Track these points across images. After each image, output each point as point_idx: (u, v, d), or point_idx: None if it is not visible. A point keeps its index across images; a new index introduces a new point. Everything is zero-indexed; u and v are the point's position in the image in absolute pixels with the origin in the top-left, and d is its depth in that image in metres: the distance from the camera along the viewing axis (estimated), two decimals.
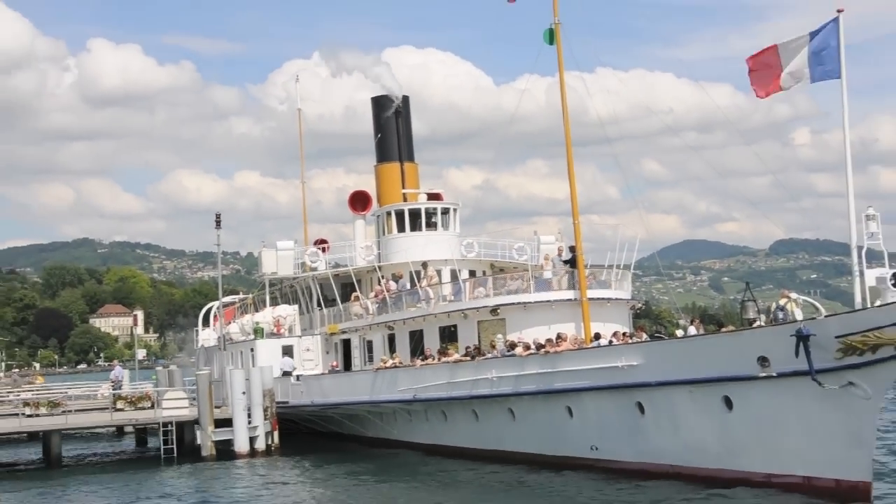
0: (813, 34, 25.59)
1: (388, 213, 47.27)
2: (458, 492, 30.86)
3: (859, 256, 24.74)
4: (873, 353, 23.85)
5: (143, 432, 48.69)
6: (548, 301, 38.16)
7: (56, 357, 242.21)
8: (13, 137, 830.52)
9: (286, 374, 45.63)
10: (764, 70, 26.33)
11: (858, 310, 24.60)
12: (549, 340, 34.23)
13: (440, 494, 30.63)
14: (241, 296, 66.38)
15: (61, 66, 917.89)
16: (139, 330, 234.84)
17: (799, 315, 26.95)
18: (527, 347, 34.44)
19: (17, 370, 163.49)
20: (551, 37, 37.35)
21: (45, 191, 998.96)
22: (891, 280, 24.60)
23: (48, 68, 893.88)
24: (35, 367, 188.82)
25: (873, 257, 24.85)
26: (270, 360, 46.13)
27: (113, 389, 47.36)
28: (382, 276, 45.68)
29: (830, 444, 25.21)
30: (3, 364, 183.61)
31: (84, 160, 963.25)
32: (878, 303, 24.33)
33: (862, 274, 24.74)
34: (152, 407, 43.88)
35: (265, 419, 41.77)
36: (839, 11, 25.26)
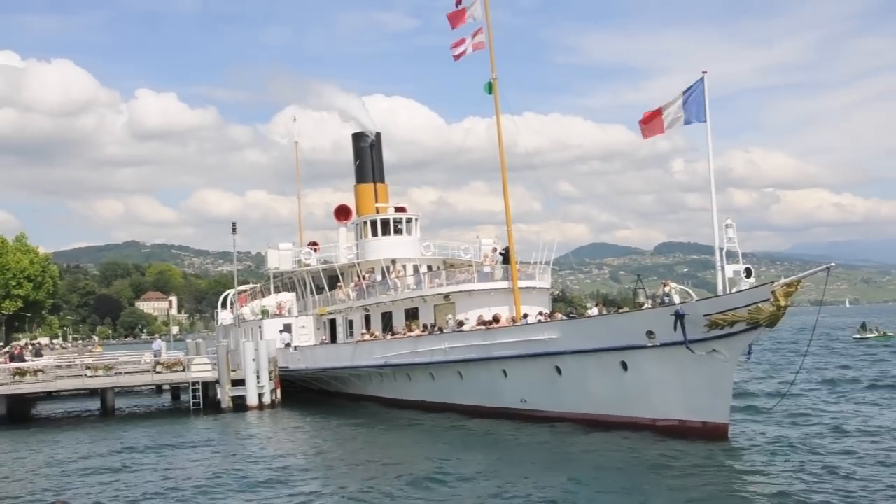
0: (686, 90, 25.99)
1: (365, 222, 47.12)
2: (418, 433, 30.82)
3: (721, 255, 25.01)
4: (731, 327, 24.23)
5: (176, 389, 48.39)
6: (487, 289, 38.23)
7: (110, 332, 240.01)
8: (79, 165, 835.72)
9: (287, 345, 45.52)
10: (650, 121, 26.75)
11: (720, 296, 24.92)
12: (488, 319, 34.54)
13: (405, 435, 30.67)
14: (252, 285, 65.91)
15: (116, 109, 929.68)
16: (173, 311, 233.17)
17: (677, 299, 27.18)
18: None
19: (80, 342, 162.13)
20: (490, 88, 37.34)
21: (101, 205, 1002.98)
22: (743, 273, 24.89)
23: (106, 112, 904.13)
24: (94, 340, 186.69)
25: (731, 256, 25.09)
26: (274, 335, 46.08)
27: (153, 357, 46.94)
28: (360, 271, 45.67)
29: (699, 395, 25.49)
30: (70, 337, 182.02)
31: (132, 182, 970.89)
32: (734, 290, 24.61)
33: (722, 269, 24.99)
34: (184, 370, 43.48)
35: (270, 380, 41.60)
36: (704, 73, 25.94)
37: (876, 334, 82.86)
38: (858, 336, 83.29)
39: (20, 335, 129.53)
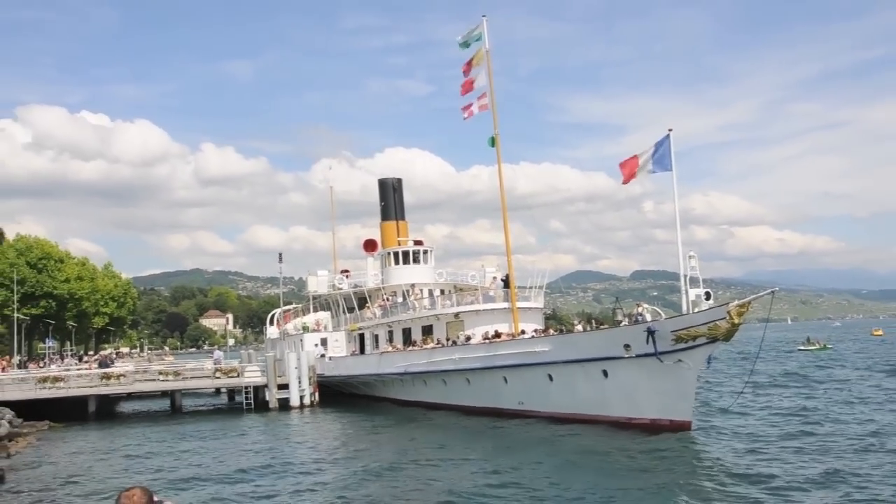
0: (656, 144, 26.04)
1: (389, 253, 47.15)
2: (433, 428, 30.53)
3: (685, 281, 24.93)
4: (693, 341, 24.15)
5: (232, 392, 48.11)
6: (491, 309, 38.12)
7: (178, 343, 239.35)
8: (154, 206, 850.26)
9: (323, 356, 45.40)
10: (628, 166, 26.75)
11: (684, 315, 24.79)
12: (492, 334, 34.35)
13: (421, 430, 30.35)
14: (294, 305, 65.76)
15: (185, 160, 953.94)
16: (230, 327, 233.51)
17: (648, 317, 27.06)
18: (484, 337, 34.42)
19: (153, 351, 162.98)
20: (493, 142, 37.27)
21: (172, 238, 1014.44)
22: (704, 296, 24.85)
23: (177, 162, 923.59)
24: (165, 350, 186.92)
25: (693, 282, 24.99)
26: (313, 347, 46.00)
27: (214, 365, 46.93)
28: (385, 293, 45.62)
29: (667, 397, 25.32)
30: (146, 348, 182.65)
31: (197, 219, 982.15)
32: (696, 310, 24.51)
33: (686, 292, 24.95)
34: (238, 376, 43.51)
35: (309, 384, 41.46)
36: (670, 130, 26.07)
37: (817, 346, 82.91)
38: (803, 347, 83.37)
39: (106, 345, 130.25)
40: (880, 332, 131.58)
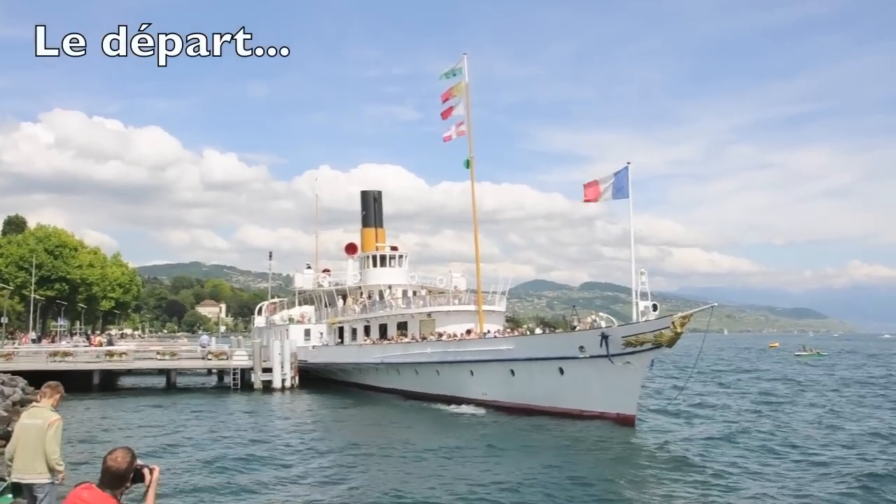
0: (615, 174, 25.91)
1: (368, 256, 46.44)
2: (401, 412, 30.12)
3: (636, 294, 24.76)
4: (640, 346, 24.21)
5: (221, 373, 46.82)
6: (459, 310, 37.69)
7: (176, 328, 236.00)
8: (162, 205, 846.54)
9: (314, 346, 44.76)
10: (590, 189, 26.53)
11: (634, 323, 24.64)
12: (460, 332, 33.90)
13: (391, 412, 29.88)
14: (279, 299, 64.65)
15: (192, 165, 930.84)
16: (222, 315, 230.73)
17: (603, 324, 26.96)
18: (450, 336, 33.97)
19: (156, 333, 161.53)
20: (468, 164, 36.78)
21: (174, 234, 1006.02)
22: (651, 308, 24.75)
23: (185, 166, 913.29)
24: (176, 333, 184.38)
25: (642, 295, 24.79)
26: (297, 337, 45.24)
27: (200, 348, 46.04)
28: (363, 292, 45.06)
29: (615, 394, 25.26)
30: (147, 330, 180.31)
31: (198, 219, 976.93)
32: (643, 319, 24.40)
33: (637, 304, 24.76)
34: (228, 358, 42.78)
35: (290, 369, 40.71)
36: (628, 163, 26.00)
37: (811, 353, 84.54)
38: (799, 353, 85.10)
39: (112, 326, 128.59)
40: (776, 345, 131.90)
